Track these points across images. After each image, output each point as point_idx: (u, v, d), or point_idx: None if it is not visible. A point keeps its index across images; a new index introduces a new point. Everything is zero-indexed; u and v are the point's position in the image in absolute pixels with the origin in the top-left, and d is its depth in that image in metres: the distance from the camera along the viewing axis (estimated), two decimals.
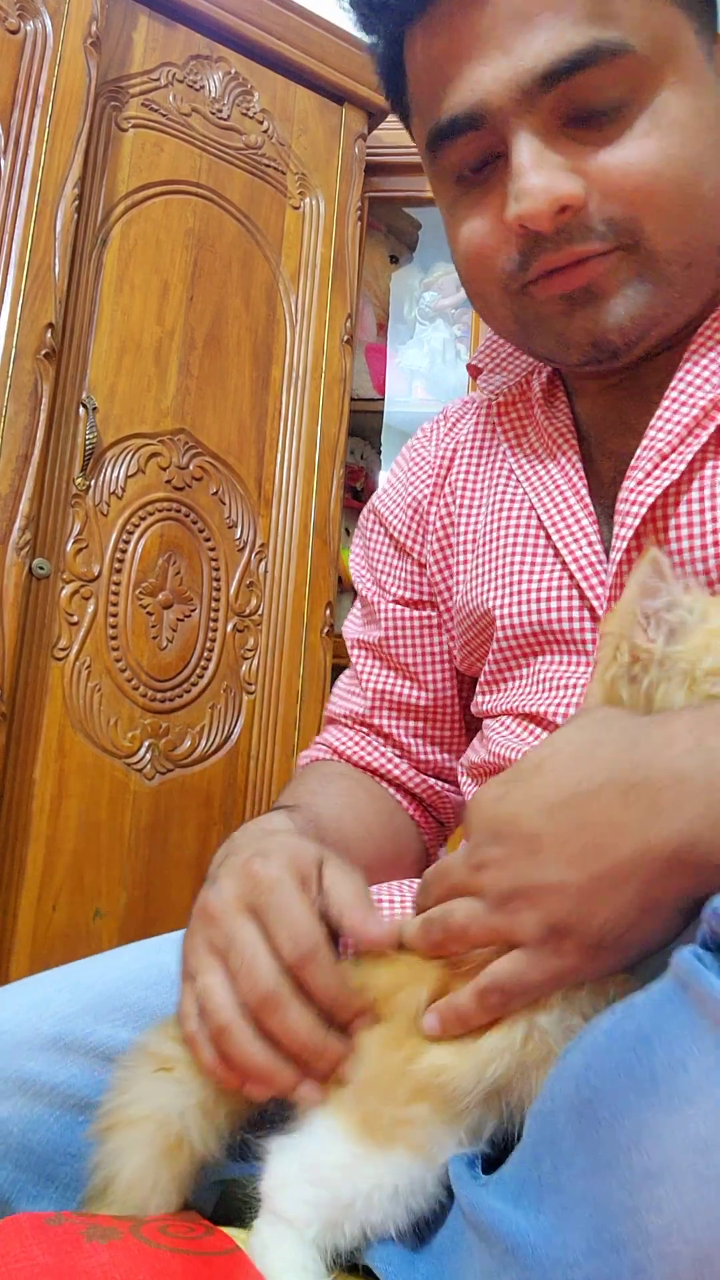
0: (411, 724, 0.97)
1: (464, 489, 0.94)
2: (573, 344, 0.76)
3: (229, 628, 1.79)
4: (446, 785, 0.99)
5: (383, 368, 2.18)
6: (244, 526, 1.83)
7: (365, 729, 0.99)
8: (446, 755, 0.98)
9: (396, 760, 0.97)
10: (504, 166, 0.73)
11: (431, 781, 0.98)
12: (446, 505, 0.95)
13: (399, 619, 0.97)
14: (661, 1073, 0.42)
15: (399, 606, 0.97)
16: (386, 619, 0.97)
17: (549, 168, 0.70)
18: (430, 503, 0.96)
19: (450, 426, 0.99)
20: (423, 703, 0.97)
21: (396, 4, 0.76)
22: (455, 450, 0.96)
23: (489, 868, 0.56)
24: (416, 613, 0.97)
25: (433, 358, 2.13)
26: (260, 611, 1.83)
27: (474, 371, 0.94)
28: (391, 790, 0.97)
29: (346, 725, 1.00)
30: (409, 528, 0.97)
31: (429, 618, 0.97)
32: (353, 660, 1.01)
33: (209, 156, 1.83)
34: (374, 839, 0.90)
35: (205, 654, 1.76)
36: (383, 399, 2.15)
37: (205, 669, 1.76)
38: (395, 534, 0.98)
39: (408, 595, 0.97)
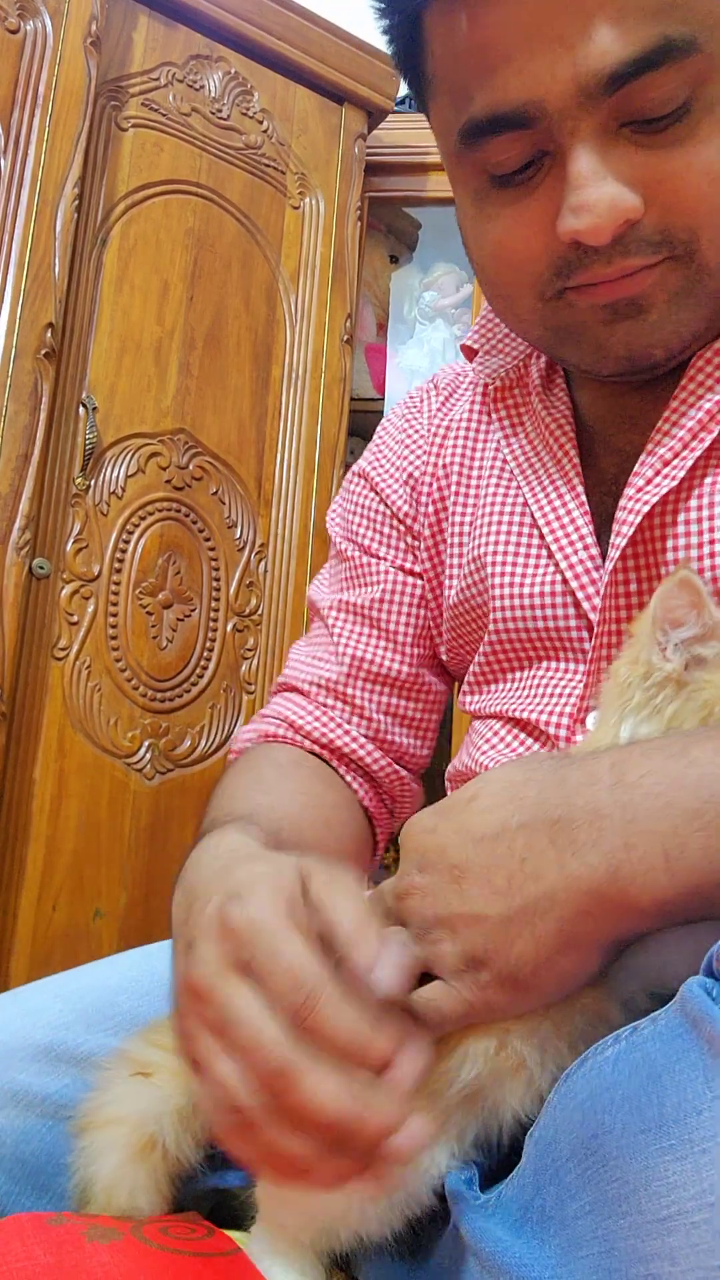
0: (386, 698, 0.92)
1: (458, 473, 0.90)
2: (610, 356, 0.72)
3: (229, 628, 1.79)
4: (408, 773, 0.94)
5: (382, 368, 2.18)
6: (244, 526, 1.83)
7: (333, 699, 0.92)
8: (414, 740, 0.94)
9: (362, 740, 0.91)
10: (550, 166, 0.68)
11: (395, 767, 0.93)
12: (440, 487, 0.91)
13: (395, 582, 0.92)
14: (672, 1114, 0.41)
15: (397, 572, 0.93)
16: (381, 581, 0.92)
17: (610, 180, 0.65)
18: (423, 478, 0.92)
19: (442, 402, 0.94)
20: (403, 675, 0.92)
21: None
22: (449, 429, 0.91)
23: (414, 896, 0.56)
24: (412, 580, 0.93)
25: (433, 358, 2.13)
26: (260, 611, 1.83)
27: (469, 353, 0.90)
28: (348, 776, 0.90)
29: (305, 695, 0.93)
30: (404, 499, 0.93)
31: (422, 590, 0.93)
32: (328, 623, 0.94)
33: (209, 156, 1.83)
34: (339, 843, 0.85)
35: (205, 654, 1.76)
36: (383, 399, 2.15)
37: (205, 669, 1.76)
38: (391, 503, 0.94)
39: (406, 565, 0.93)
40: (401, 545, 0.94)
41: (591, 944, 0.51)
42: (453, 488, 0.90)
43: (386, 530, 0.94)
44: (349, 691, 0.92)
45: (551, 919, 0.51)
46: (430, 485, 0.92)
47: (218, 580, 1.79)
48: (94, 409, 1.65)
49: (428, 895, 0.55)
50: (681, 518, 0.73)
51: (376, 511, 0.95)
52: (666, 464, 0.73)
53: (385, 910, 0.58)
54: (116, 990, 0.78)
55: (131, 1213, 0.61)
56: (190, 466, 1.76)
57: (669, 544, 0.73)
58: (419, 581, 0.93)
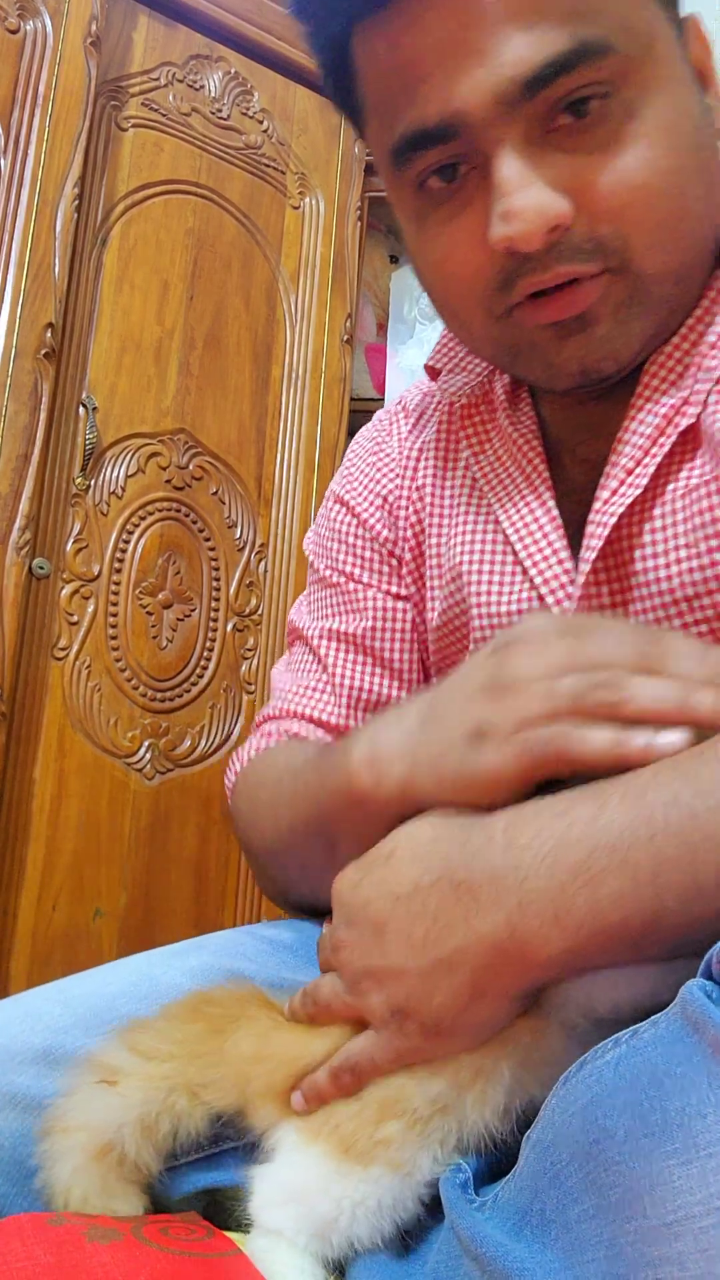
0: None
1: (431, 495, 0.89)
2: (562, 372, 0.72)
3: (229, 627, 1.79)
4: None
5: (382, 367, 2.18)
6: (244, 526, 1.83)
7: (334, 737, 0.90)
8: None
9: None
10: (479, 178, 0.68)
11: None
12: (416, 510, 0.90)
13: (386, 609, 0.91)
14: (675, 1119, 0.41)
15: (384, 597, 0.91)
16: (373, 609, 0.91)
17: (537, 184, 0.65)
18: (398, 501, 0.91)
19: (413, 425, 0.93)
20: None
21: (345, 2, 0.68)
22: (420, 452, 0.91)
23: (344, 949, 0.60)
24: (402, 605, 0.91)
25: None
26: (260, 611, 1.83)
27: (432, 373, 0.89)
28: None
29: (299, 723, 0.92)
30: (382, 522, 0.92)
31: (412, 613, 0.91)
32: (319, 653, 0.92)
33: (209, 156, 1.83)
34: None
35: (205, 654, 1.76)
36: (383, 399, 2.15)
37: (205, 669, 1.76)
38: (371, 527, 0.92)
39: (392, 589, 0.92)
40: (385, 569, 0.93)
41: (502, 994, 0.55)
42: (428, 510, 0.89)
43: (369, 555, 0.93)
44: (351, 725, 0.90)
45: (464, 972, 0.54)
46: (407, 509, 0.91)
47: (218, 580, 1.79)
48: (94, 409, 1.65)
49: (355, 949, 0.59)
50: (648, 525, 0.73)
51: (357, 536, 0.94)
52: (630, 473, 0.73)
53: (323, 961, 0.63)
54: (116, 995, 0.78)
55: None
56: (190, 466, 1.76)
57: (637, 552, 0.73)
58: (408, 606, 0.92)
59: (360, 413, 2.08)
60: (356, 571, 0.93)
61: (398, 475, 0.92)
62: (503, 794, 0.58)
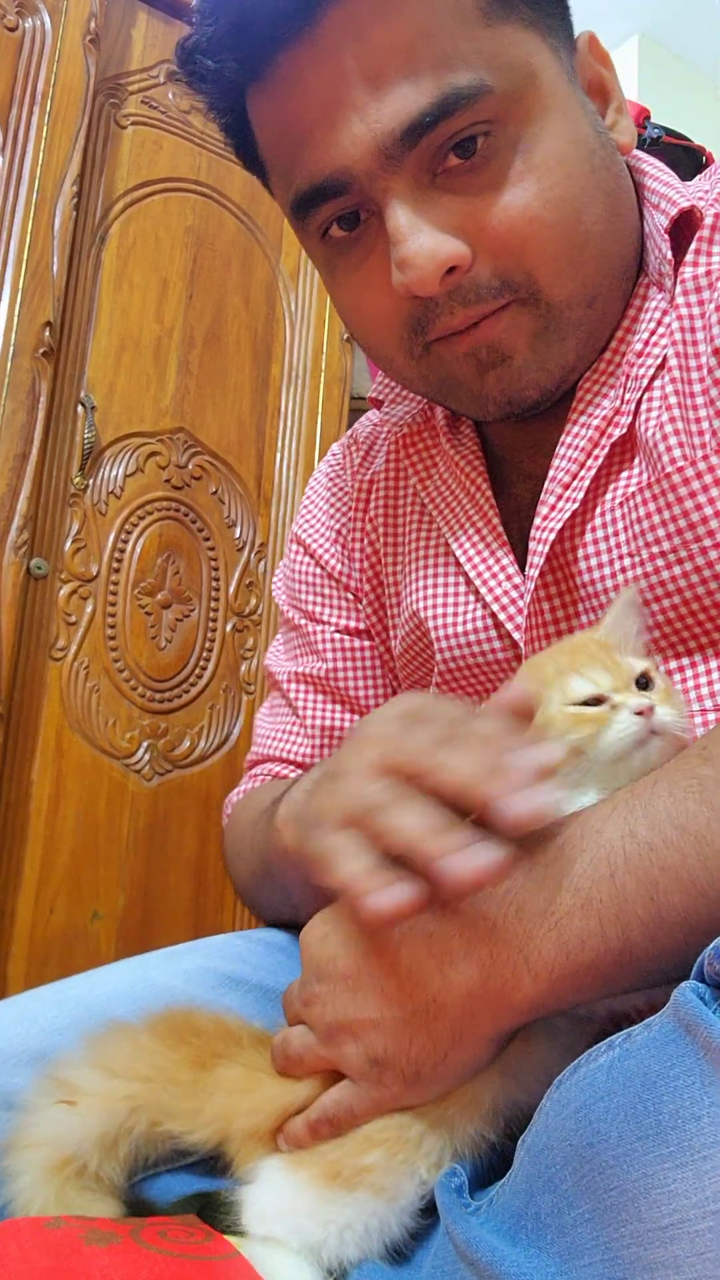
0: None
1: (383, 525, 0.91)
2: (490, 402, 0.73)
3: (228, 627, 1.79)
4: None
5: None
6: (243, 526, 1.82)
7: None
8: None
9: None
10: (378, 225, 0.69)
11: None
12: (371, 543, 0.92)
13: (344, 649, 0.94)
14: (669, 1122, 0.41)
15: (343, 635, 0.94)
16: (332, 649, 0.94)
17: (428, 230, 0.66)
18: (354, 537, 0.93)
19: (363, 455, 0.95)
20: None
21: (229, 71, 0.70)
22: (371, 484, 0.92)
23: (315, 1004, 0.60)
24: (360, 642, 0.94)
25: None
26: (260, 611, 1.83)
27: (376, 404, 0.91)
28: None
29: (279, 765, 0.96)
30: (339, 560, 0.95)
31: (373, 648, 0.94)
32: (289, 697, 0.96)
33: (208, 154, 1.83)
34: None
35: (204, 654, 1.76)
36: None
37: (204, 669, 1.75)
38: (325, 564, 0.95)
39: (350, 624, 0.94)
40: (342, 604, 0.95)
41: (479, 1039, 0.55)
42: (382, 540, 0.91)
43: (326, 591, 0.96)
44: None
45: (442, 1021, 0.55)
46: (362, 541, 0.93)
47: (217, 580, 1.79)
48: (92, 408, 1.64)
49: (327, 1003, 0.60)
50: (588, 536, 0.74)
51: (314, 574, 0.97)
52: (567, 487, 0.74)
53: (294, 1015, 0.63)
54: (112, 998, 0.78)
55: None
56: (189, 466, 1.76)
57: (581, 564, 0.74)
58: (366, 642, 0.94)
59: (360, 411, 2.08)
60: (316, 610, 0.96)
61: (349, 509, 0.94)
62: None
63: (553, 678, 0.61)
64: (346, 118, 0.66)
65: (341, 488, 0.96)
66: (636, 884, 0.51)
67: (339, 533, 0.95)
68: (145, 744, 1.66)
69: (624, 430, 0.72)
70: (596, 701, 0.60)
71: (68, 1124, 0.62)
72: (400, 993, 0.56)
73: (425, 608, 0.85)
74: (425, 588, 0.85)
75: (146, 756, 1.66)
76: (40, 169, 1.58)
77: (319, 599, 0.96)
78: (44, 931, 1.52)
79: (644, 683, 0.61)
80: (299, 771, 0.94)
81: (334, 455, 1.00)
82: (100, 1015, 0.76)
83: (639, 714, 0.58)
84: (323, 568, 0.96)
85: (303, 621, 0.97)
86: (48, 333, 1.56)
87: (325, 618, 0.95)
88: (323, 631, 0.95)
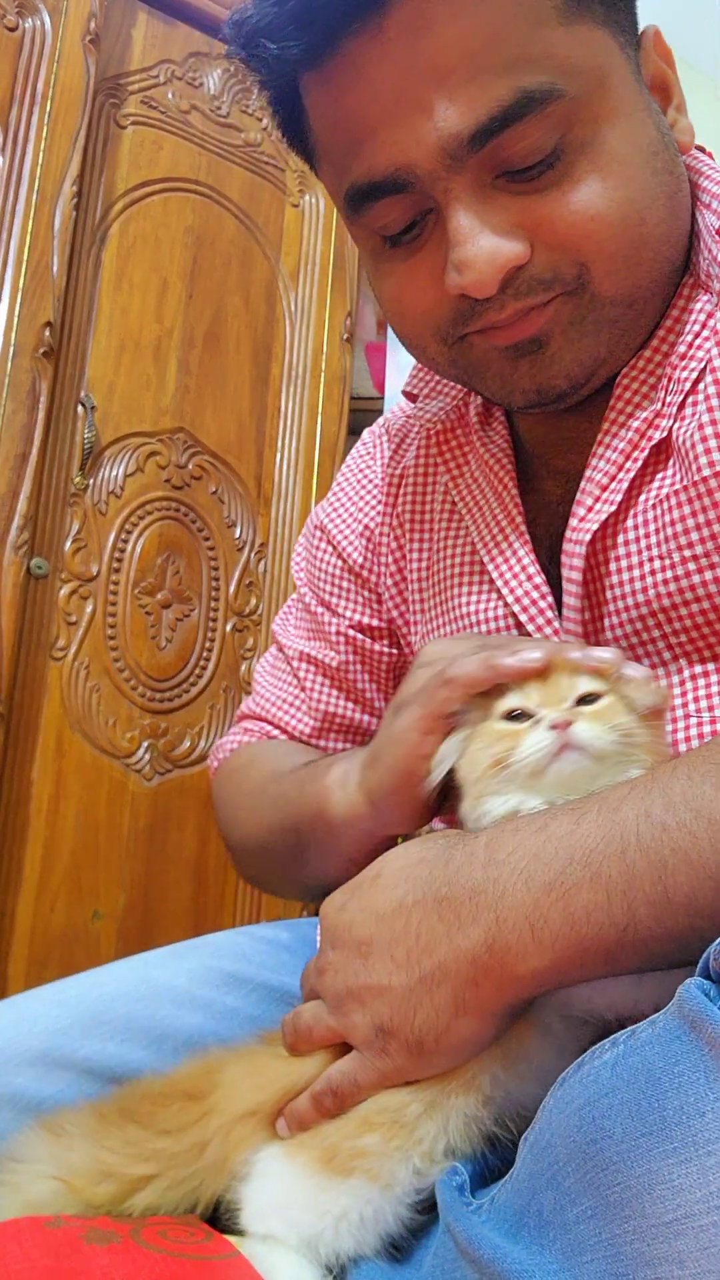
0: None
1: (412, 524, 0.91)
2: (518, 390, 0.73)
3: (228, 627, 1.79)
4: None
5: (382, 366, 2.17)
6: (243, 525, 1.82)
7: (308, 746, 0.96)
8: None
9: None
10: (435, 223, 0.69)
11: None
12: (397, 539, 0.92)
13: (356, 646, 0.94)
14: (674, 1117, 0.41)
15: (357, 633, 0.94)
16: (344, 643, 0.94)
17: (488, 232, 0.65)
18: (381, 531, 0.93)
19: (394, 449, 0.95)
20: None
21: (290, 56, 0.67)
22: (401, 478, 0.92)
23: (328, 971, 0.62)
24: (375, 644, 0.94)
25: None
26: (260, 611, 1.83)
27: (410, 398, 0.91)
28: None
29: (275, 730, 0.97)
30: (363, 554, 0.94)
31: (389, 654, 0.94)
32: (297, 674, 0.97)
33: (208, 154, 1.83)
34: None
35: (204, 654, 1.76)
36: (382, 397, 2.15)
37: (204, 669, 1.75)
38: (348, 557, 0.95)
39: (365, 621, 0.94)
40: (359, 599, 0.95)
41: (483, 1011, 0.56)
42: (408, 536, 0.91)
43: (345, 585, 0.96)
44: (323, 744, 0.95)
45: (446, 989, 0.56)
46: (388, 536, 0.93)
47: (217, 580, 1.78)
48: (92, 408, 1.64)
49: (339, 970, 0.61)
50: (621, 538, 0.73)
51: (335, 566, 0.97)
52: (604, 489, 0.74)
53: (309, 990, 0.64)
54: (113, 997, 0.78)
55: None
56: (189, 465, 1.76)
57: (611, 565, 0.74)
58: (380, 645, 0.94)
59: (360, 411, 2.08)
60: (333, 600, 0.96)
61: (379, 501, 0.94)
62: (421, 743, 0.65)
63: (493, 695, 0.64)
64: (412, 116, 0.65)
65: (371, 480, 0.96)
66: (647, 863, 0.51)
67: (367, 528, 0.94)
68: (145, 744, 1.66)
69: (663, 434, 0.72)
70: (525, 716, 0.62)
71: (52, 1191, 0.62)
72: (409, 959, 0.57)
73: (447, 601, 0.85)
74: (450, 584, 0.85)
75: (147, 756, 1.66)
76: (40, 169, 1.58)
77: (337, 591, 0.96)
78: (44, 931, 1.52)
79: (591, 700, 0.62)
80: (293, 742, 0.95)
81: (364, 444, 0.99)
82: (102, 1014, 0.76)
83: (554, 728, 0.59)
84: (344, 560, 0.96)
85: (319, 609, 0.97)
86: (48, 333, 1.56)
87: (341, 610, 0.95)
88: (337, 625, 0.95)
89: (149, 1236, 0.56)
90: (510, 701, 0.62)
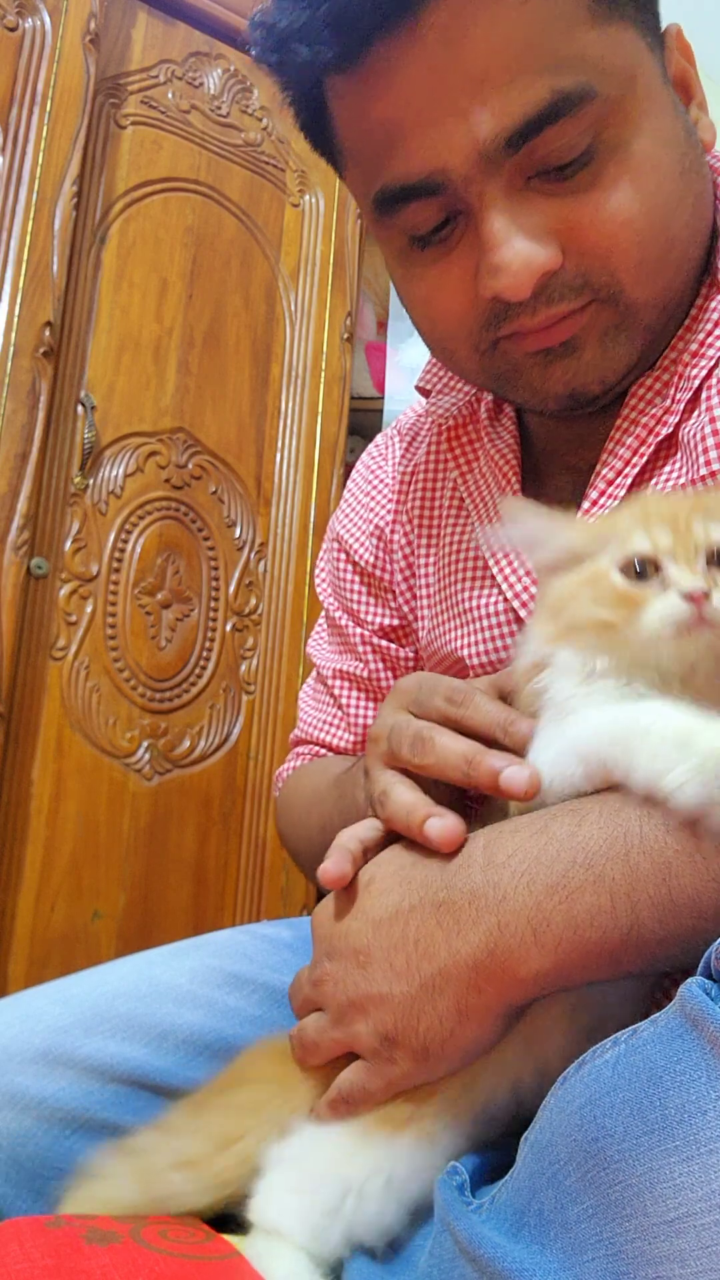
0: None
1: (421, 519, 0.91)
2: (550, 395, 0.73)
3: (228, 627, 1.79)
4: None
5: (383, 366, 2.17)
6: (243, 525, 1.82)
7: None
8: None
9: None
10: (466, 226, 0.68)
11: None
12: (406, 535, 0.92)
13: (383, 651, 0.95)
14: (675, 1116, 0.41)
15: (381, 639, 0.95)
16: (370, 652, 0.95)
17: (522, 235, 0.65)
18: (391, 529, 0.94)
19: (405, 447, 0.95)
20: None
21: (322, 59, 0.66)
22: (412, 474, 0.93)
23: (326, 983, 0.61)
24: (401, 650, 0.95)
25: None
26: (260, 611, 1.83)
27: (424, 393, 0.91)
28: None
29: (323, 749, 0.99)
30: (375, 555, 0.95)
31: (409, 653, 0.95)
32: (334, 692, 0.98)
33: (208, 154, 1.83)
34: None
35: (204, 654, 1.76)
36: (383, 397, 2.15)
37: (204, 669, 1.75)
38: (362, 562, 0.96)
39: (386, 623, 0.95)
40: (378, 605, 0.96)
41: (487, 1014, 0.55)
42: (417, 531, 0.92)
43: (363, 591, 0.97)
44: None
45: (449, 995, 0.55)
46: (398, 533, 0.93)
47: (217, 580, 1.78)
48: (92, 408, 1.64)
49: (338, 981, 0.60)
50: None
51: (353, 574, 0.97)
52: (610, 483, 0.74)
53: (304, 998, 0.63)
54: (115, 995, 0.78)
55: None
56: (189, 465, 1.76)
57: None
58: (407, 648, 0.95)
59: (360, 411, 2.08)
60: (356, 608, 0.97)
61: (389, 499, 0.95)
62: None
63: (624, 530, 0.56)
64: (445, 120, 0.64)
65: (383, 479, 0.96)
66: (651, 864, 0.51)
67: (378, 527, 0.95)
68: (145, 743, 1.66)
69: (670, 429, 0.72)
70: (654, 569, 0.54)
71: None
72: (409, 967, 0.57)
73: (450, 595, 0.85)
74: (453, 578, 0.85)
75: (147, 756, 1.66)
76: (40, 169, 1.58)
77: (358, 599, 0.97)
78: (45, 931, 1.52)
79: None
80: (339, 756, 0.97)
81: (376, 445, 1.00)
82: (104, 1012, 0.76)
83: (689, 599, 0.52)
84: (356, 565, 0.96)
85: (345, 621, 0.98)
86: (48, 332, 1.56)
87: (363, 616, 0.96)
88: (361, 633, 0.96)
89: (149, 1236, 0.56)
90: (637, 544, 0.54)
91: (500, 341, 0.72)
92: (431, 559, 0.90)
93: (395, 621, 0.95)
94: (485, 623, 0.82)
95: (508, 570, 0.80)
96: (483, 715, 0.61)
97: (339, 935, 0.62)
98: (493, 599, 0.81)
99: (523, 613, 0.78)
